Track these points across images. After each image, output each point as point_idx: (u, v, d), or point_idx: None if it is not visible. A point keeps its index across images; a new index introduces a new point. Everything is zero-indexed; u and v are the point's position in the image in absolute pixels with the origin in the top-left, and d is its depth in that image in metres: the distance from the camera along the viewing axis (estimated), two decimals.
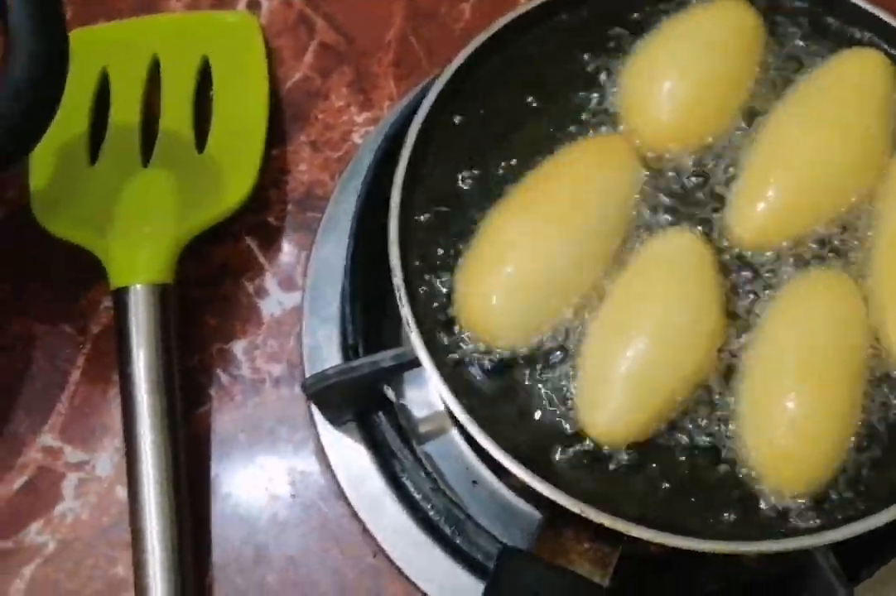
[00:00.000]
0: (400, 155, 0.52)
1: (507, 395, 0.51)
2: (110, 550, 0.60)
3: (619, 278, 0.51)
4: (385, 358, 0.54)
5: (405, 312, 0.50)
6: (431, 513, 0.59)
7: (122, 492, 0.60)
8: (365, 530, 0.59)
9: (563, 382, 0.51)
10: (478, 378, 0.51)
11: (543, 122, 0.56)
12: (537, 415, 0.50)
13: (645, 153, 0.54)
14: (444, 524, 0.59)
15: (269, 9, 0.71)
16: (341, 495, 0.60)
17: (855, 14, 0.57)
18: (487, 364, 0.51)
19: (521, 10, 0.56)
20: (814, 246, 0.53)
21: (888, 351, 0.51)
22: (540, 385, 0.51)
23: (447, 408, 0.50)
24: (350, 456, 0.60)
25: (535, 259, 0.51)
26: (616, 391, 0.49)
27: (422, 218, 0.53)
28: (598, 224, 0.52)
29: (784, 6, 0.58)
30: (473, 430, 0.48)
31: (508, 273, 0.51)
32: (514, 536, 0.58)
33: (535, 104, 0.56)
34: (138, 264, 0.60)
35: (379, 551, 0.59)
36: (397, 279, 0.50)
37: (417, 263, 0.53)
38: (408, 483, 0.59)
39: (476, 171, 0.55)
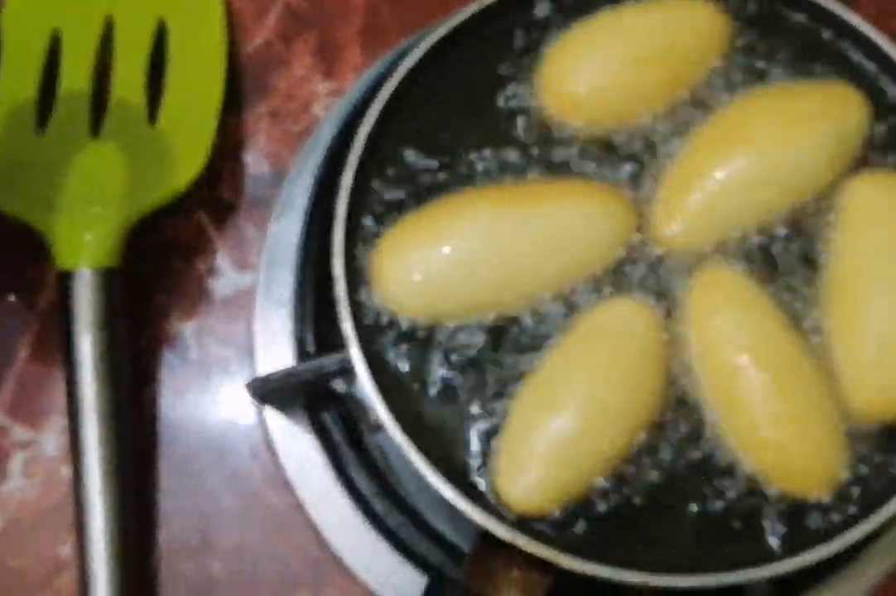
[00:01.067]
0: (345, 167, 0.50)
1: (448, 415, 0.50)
2: (57, 529, 0.59)
3: (559, 344, 0.49)
4: (331, 363, 0.52)
5: (346, 327, 0.48)
6: (378, 507, 0.58)
7: (69, 472, 0.58)
8: (310, 522, 0.58)
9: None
10: (419, 391, 0.50)
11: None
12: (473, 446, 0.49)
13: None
14: (391, 519, 0.58)
15: None
16: (288, 485, 0.59)
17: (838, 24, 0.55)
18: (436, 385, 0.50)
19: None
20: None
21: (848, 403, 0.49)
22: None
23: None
24: (298, 446, 0.59)
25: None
26: (532, 467, 0.47)
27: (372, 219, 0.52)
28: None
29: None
30: (413, 455, 0.47)
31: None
32: (462, 530, 0.58)
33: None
34: (85, 247, 0.58)
35: (324, 543, 0.58)
36: (340, 290, 0.49)
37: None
38: (355, 477, 0.59)
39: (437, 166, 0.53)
